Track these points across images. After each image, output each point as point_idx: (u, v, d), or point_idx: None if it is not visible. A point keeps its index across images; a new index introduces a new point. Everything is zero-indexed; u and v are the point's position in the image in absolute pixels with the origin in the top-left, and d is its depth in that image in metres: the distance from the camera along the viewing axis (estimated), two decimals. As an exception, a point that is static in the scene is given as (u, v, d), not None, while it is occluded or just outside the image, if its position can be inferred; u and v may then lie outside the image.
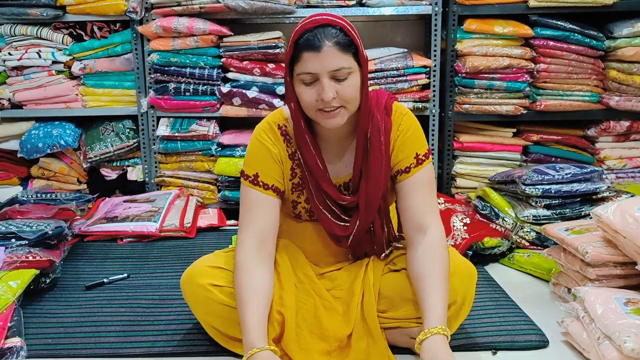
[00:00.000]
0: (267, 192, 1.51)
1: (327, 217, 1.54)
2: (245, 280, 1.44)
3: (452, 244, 2.28)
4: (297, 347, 1.47)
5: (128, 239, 2.58)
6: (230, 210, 2.92)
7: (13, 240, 2.08)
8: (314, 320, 1.53)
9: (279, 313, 1.49)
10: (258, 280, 1.45)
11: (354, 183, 1.54)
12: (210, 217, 2.82)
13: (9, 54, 2.93)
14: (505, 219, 2.43)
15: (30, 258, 2.01)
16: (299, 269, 1.62)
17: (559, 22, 2.74)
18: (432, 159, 1.61)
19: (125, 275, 2.17)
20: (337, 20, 1.40)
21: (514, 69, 2.78)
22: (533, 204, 2.38)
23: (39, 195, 2.74)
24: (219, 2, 2.79)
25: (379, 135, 1.50)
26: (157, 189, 3.07)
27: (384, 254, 1.62)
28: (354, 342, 1.51)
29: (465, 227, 2.35)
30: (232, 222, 2.83)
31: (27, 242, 2.08)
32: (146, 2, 2.85)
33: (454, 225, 2.37)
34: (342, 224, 1.55)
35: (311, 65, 1.36)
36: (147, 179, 3.07)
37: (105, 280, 2.12)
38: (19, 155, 3.02)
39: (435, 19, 2.82)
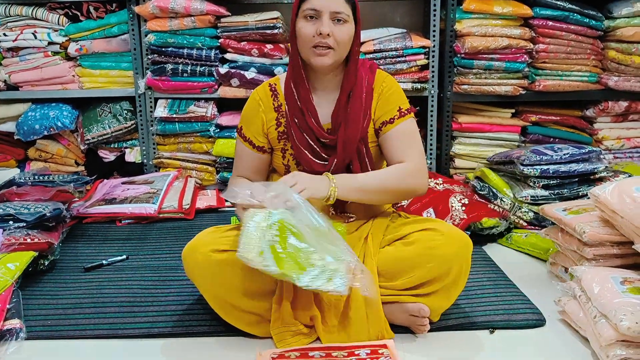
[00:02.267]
0: (245, 143, 1.72)
1: (306, 155, 1.66)
2: (240, 183, 1.68)
3: (450, 223, 2.27)
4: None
5: (127, 221, 2.58)
6: (229, 191, 2.92)
7: (11, 222, 2.07)
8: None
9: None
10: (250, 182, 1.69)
11: (333, 129, 1.66)
12: (208, 199, 2.82)
13: (4, 34, 2.90)
14: (503, 199, 2.43)
15: (29, 240, 2.01)
16: None
17: (558, 2, 2.71)
18: (420, 129, 1.71)
19: (124, 256, 2.17)
20: None
21: (513, 49, 2.76)
22: (531, 184, 2.38)
23: (36, 177, 2.73)
24: (216, -18, 2.76)
25: (361, 87, 1.65)
26: (156, 171, 3.06)
27: None
28: (353, 312, 1.53)
29: (463, 208, 2.35)
30: (230, 203, 2.83)
31: (25, 224, 2.07)
32: (142, -18, 2.82)
33: (452, 206, 2.37)
34: (321, 161, 1.66)
35: (317, 2, 1.55)
36: (145, 161, 3.06)
37: (104, 261, 2.12)
38: (15, 137, 3.01)
39: (434, -1, 2.79)
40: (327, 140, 1.65)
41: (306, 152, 1.66)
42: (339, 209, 1.70)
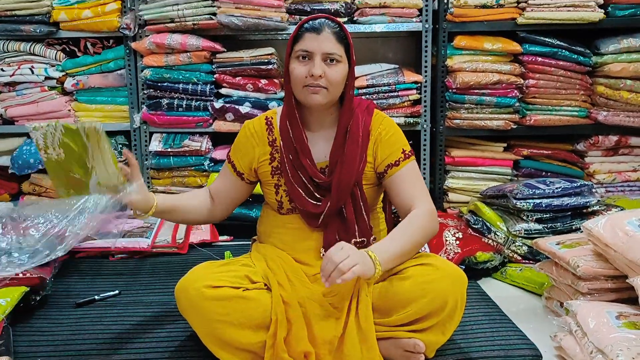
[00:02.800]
0: (228, 165, 1.76)
1: (301, 194, 1.65)
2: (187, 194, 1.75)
3: (445, 258, 2.27)
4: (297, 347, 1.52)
5: (120, 255, 2.56)
6: (223, 225, 2.90)
7: (3, 257, 2.05)
8: (303, 324, 1.56)
9: (286, 310, 1.54)
10: (192, 196, 1.77)
11: (330, 168, 1.65)
12: (202, 233, 2.80)
13: (2, 70, 2.92)
14: (497, 233, 2.43)
15: (21, 275, 1.98)
16: (292, 273, 1.64)
17: (546, 39, 2.77)
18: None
19: (117, 292, 2.15)
20: (339, 21, 1.64)
21: (504, 85, 2.80)
22: (524, 218, 2.39)
23: (30, 211, 2.71)
24: (212, 19, 2.80)
25: (357, 128, 1.64)
26: (150, 205, 3.05)
27: (354, 240, 1.67)
28: (347, 349, 1.51)
29: (457, 242, 2.35)
30: (225, 237, 2.82)
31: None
32: (139, 19, 2.86)
33: (446, 240, 2.37)
34: (315, 202, 1.65)
35: (309, 44, 1.57)
36: (139, 195, 3.05)
37: (96, 297, 2.10)
38: (10, 171, 3.00)
39: (426, 36, 2.84)
40: (321, 182, 1.65)
41: (300, 190, 1.65)
42: (328, 242, 1.69)
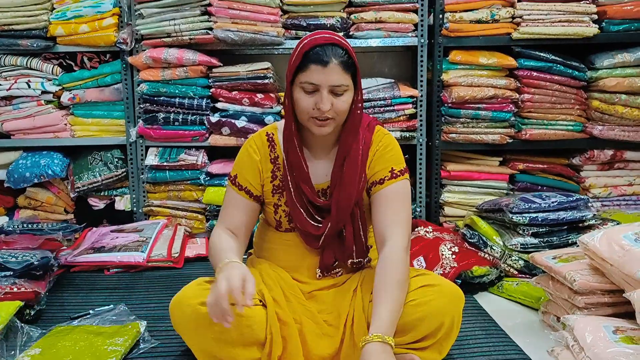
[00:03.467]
0: (240, 192, 1.65)
1: (302, 215, 1.62)
2: (219, 241, 1.59)
3: (441, 272, 2.27)
4: None
5: (115, 270, 2.55)
6: (219, 239, 2.90)
7: (-3, 271, 2.04)
8: (299, 342, 1.55)
9: (281, 327, 1.53)
10: (230, 241, 1.60)
11: (330, 190, 1.63)
12: (198, 247, 2.79)
13: (-2, 84, 2.93)
14: (493, 247, 2.43)
15: (15, 289, 1.97)
16: (286, 288, 1.64)
17: (541, 54, 2.79)
18: (409, 178, 1.67)
19: (112, 306, 2.14)
20: (344, 42, 1.54)
21: (499, 99, 2.82)
22: (520, 232, 2.38)
23: (25, 225, 2.71)
24: (209, 34, 2.82)
25: (358, 147, 1.61)
26: (145, 219, 3.04)
27: (350, 261, 1.66)
28: None
29: (453, 256, 2.34)
30: (221, 251, 2.80)
31: (12, 272, 2.04)
32: (136, 34, 2.87)
33: (442, 254, 2.36)
34: (315, 223, 1.63)
35: (317, 77, 1.49)
36: (135, 209, 3.05)
37: (91, 311, 2.09)
38: (5, 185, 2.99)
39: (422, 51, 2.86)
40: (321, 204, 1.62)
41: (302, 211, 1.63)
42: (326, 270, 1.69)
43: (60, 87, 2.96)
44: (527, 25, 2.76)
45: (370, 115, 1.78)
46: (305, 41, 1.53)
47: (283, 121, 1.67)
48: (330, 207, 1.61)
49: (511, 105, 2.83)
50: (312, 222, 1.63)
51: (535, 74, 2.80)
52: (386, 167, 1.61)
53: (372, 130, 1.65)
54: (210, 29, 2.83)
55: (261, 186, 1.66)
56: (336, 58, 1.49)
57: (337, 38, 1.52)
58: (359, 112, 1.60)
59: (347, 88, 1.53)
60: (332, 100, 1.51)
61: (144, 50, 2.87)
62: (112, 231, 2.84)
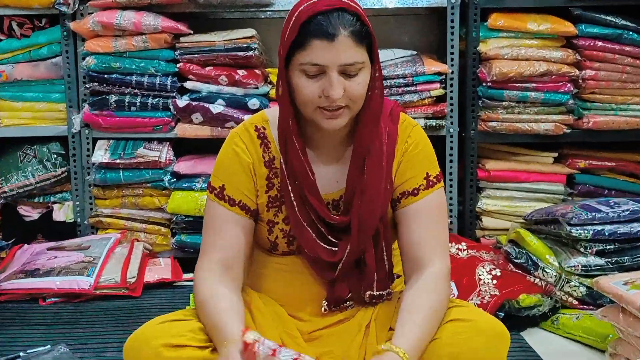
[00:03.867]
0: (233, 209, 1.58)
1: (310, 236, 1.56)
2: (212, 295, 1.50)
3: (478, 303, 2.27)
4: None
5: (53, 299, 2.54)
6: (188, 260, 2.89)
7: None
8: None
9: None
10: (230, 301, 1.50)
11: (346, 201, 1.58)
12: (161, 270, 2.79)
13: None
14: (546, 269, 2.43)
15: None
16: (282, 328, 1.62)
17: (609, 18, 2.79)
18: (444, 185, 1.65)
19: (49, 347, 2.13)
20: (353, 4, 1.47)
21: (554, 77, 2.82)
22: (582, 250, 2.38)
23: None
24: (175, -8, 2.82)
25: (380, 144, 1.55)
26: (92, 233, 3.04)
27: (369, 293, 1.61)
28: None
29: (494, 281, 2.34)
30: (191, 275, 2.80)
31: None
32: (81, -8, 2.88)
33: (480, 279, 2.36)
34: (329, 247, 1.57)
35: (321, 56, 1.42)
36: (78, 220, 3.05)
37: (21, 353, 2.08)
38: None
39: (452, 13, 2.86)
40: (337, 222, 1.56)
41: (309, 230, 1.56)
42: (335, 304, 1.67)
43: (-19, 62, 2.97)
44: (589, -20, 2.78)
45: (395, 102, 1.71)
46: (302, 7, 1.46)
47: (274, 109, 1.62)
48: (348, 224, 1.55)
49: (569, 85, 2.83)
50: (324, 245, 1.57)
51: (600, 43, 2.80)
52: (419, 172, 1.58)
53: (396, 121, 1.60)
54: (177, -15, 2.83)
55: (256, 194, 1.61)
56: (345, 28, 1.43)
57: (343, 0, 1.47)
58: (379, 96, 1.54)
59: (363, 65, 1.47)
60: (344, 84, 1.45)
61: (91, 13, 2.86)
62: (48, 249, 2.83)
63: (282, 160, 1.57)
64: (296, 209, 1.56)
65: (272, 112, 1.62)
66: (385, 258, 1.62)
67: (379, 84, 1.53)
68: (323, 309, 1.64)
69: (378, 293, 1.63)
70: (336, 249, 1.57)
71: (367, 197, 1.54)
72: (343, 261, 1.57)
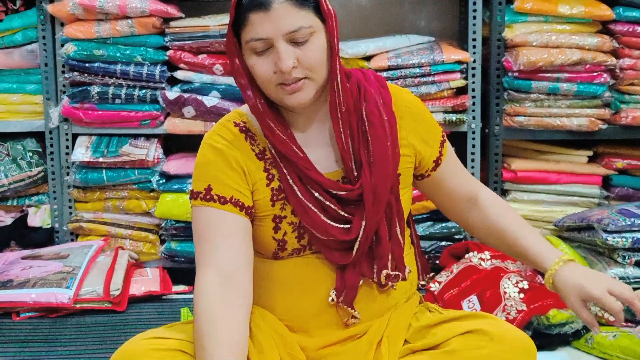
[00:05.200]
0: (225, 207, 1.58)
1: (319, 217, 1.58)
2: (208, 339, 1.46)
3: (504, 318, 2.26)
4: None
5: (28, 314, 2.55)
6: (178, 270, 2.89)
7: None
8: None
9: None
10: (229, 332, 1.48)
11: (350, 176, 1.62)
12: (148, 282, 2.79)
13: None
14: (579, 282, 2.42)
15: None
16: (283, 347, 1.63)
17: (650, -1, 2.79)
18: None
19: (23, 367, 2.14)
20: None
21: (588, 66, 2.81)
22: (619, 260, 2.38)
23: None
24: (165, -29, 2.82)
25: (377, 110, 1.61)
26: (72, 240, 3.04)
27: (386, 272, 1.64)
28: None
29: (522, 295, 2.34)
30: (181, 287, 2.80)
31: None
32: (59, -29, 2.88)
33: (505, 292, 2.35)
34: (342, 225, 1.60)
35: (261, 29, 1.49)
36: (56, 225, 3.05)
37: (-8, 375, 2.09)
38: None
39: (474, -5, 2.87)
40: (345, 192, 1.60)
41: (316, 211, 1.59)
42: (347, 294, 1.66)
43: (-52, 49, 2.98)
44: (628, -43, 2.77)
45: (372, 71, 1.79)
46: None
47: (246, 106, 1.66)
48: (359, 196, 1.58)
49: (605, 75, 2.82)
50: (335, 224, 1.60)
51: (640, 29, 2.80)
52: (436, 138, 1.75)
53: (384, 85, 1.69)
54: (167, -37, 2.84)
55: (251, 194, 1.63)
56: None
57: None
58: (337, 61, 1.57)
59: (312, 29, 1.51)
60: (295, 54, 1.50)
61: (71, -6, 2.87)
62: (23, 258, 2.84)
63: (273, 146, 1.61)
64: (297, 192, 1.59)
65: (246, 107, 1.68)
66: (400, 234, 1.67)
67: (333, 43, 1.56)
68: (330, 299, 1.64)
69: (394, 273, 1.66)
70: (349, 226, 1.60)
71: (376, 168, 1.60)
72: (360, 238, 1.59)
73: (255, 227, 1.64)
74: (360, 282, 1.64)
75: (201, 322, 1.49)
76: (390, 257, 1.65)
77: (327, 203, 1.59)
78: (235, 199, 1.58)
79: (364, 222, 1.59)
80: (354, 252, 1.60)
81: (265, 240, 1.64)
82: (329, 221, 1.59)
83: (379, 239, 1.63)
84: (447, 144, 1.77)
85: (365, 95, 1.62)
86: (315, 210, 1.59)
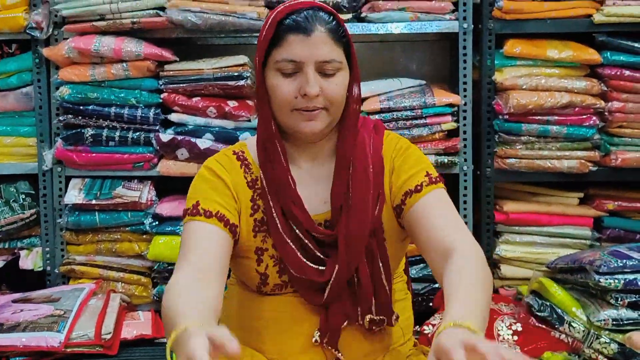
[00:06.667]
0: (210, 220, 1.58)
1: (295, 254, 1.60)
2: (175, 297, 1.39)
3: (498, 361, 2.25)
4: None
5: (18, 359, 2.51)
6: (171, 313, 2.88)
7: None
8: None
9: None
10: (195, 291, 1.42)
11: (333, 217, 1.63)
12: (140, 325, 2.77)
13: None
14: (572, 324, 2.41)
15: None
16: None
17: (636, 44, 2.82)
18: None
19: (13, 412, 2.11)
20: (328, 6, 1.61)
21: (577, 109, 2.83)
22: (612, 301, 2.37)
23: None
24: (160, 16, 2.84)
25: (364, 155, 1.63)
26: (63, 283, 3.03)
27: (369, 317, 1.62)
28: None
29: (515, 337, 2.33)
30: (174, 330, 2.78)
31: None
32: (56, 15, 2.90)
33: (499, 334, 2.34)
34: (316, 266, 1.61)
35: (298, 51, 1.54)
36: (48, 268, 3.03)
37: (-19, 420, 2.06)
38: None
39: (465, 40, 2.89)
40: (323, 236, 1.62)
41: (294, 248, 1.61)
42: (330, 336, 1.65)
43: (-57, 92, 2.99)
44: (614, 3, 2.80)
45: (378, 119, 1.79)
46: (279, 9, 1.59)
47: (250, 138, 1.72)
48: (337, 240, 1.60)
49: (594, 118, 2.84)
50: (312, 264, 1.61)
51: (627, 72, 2.83)
52: (420, 170, 1.64)
53: (380, 133, 1.70)
54: (163, 8, 2.86)
55: (238, 213, 1.64)
56: (322, 24, 1.55)
57: (319, 2, 1.61)
58: (356, 106, 1.64)
59: (340, 66, 1.58)
60: (321, 83, 1.55)
61: (66, 38, 2.89)
62: (14, 301, 2.81)
63: (261, 176, 1.63)
64: (279, 225, 1.61)
65: (250, 140, 1.72)
66: (384, 277, 1.64)
67: (357, 97, 1.64)
68: (314, 339, 1.63)
69: (379, 318, 1.64)
70: (324, 268, 1.61)
71: (353, 212, 1.59)
72: (332, 281, 1.59)
73: (240, 260, 1.66)
74: (345, 324, 1.64)
75: (167, 302, 1.39)
76: (374, 301, 1.64)
77: (306, 242, 1.61)
78: (220, 214, 1.59)
79: (337, 267, 1.59)
80: (326, 294, 1.61)
81: (250, 274, 1.66)
82: (305, 260, 1.61)
83: (360, 282, 1.63)
84: (436, 192, 1.63)
85: (357, 138, 1.65)
86: (293, 246, 1.61)
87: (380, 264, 1.64)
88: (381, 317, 1.65)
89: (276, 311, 1.67)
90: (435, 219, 1.57)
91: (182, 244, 1.60)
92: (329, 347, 1.64)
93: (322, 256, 1.62)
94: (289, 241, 1.61)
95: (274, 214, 1.62)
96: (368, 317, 1.64)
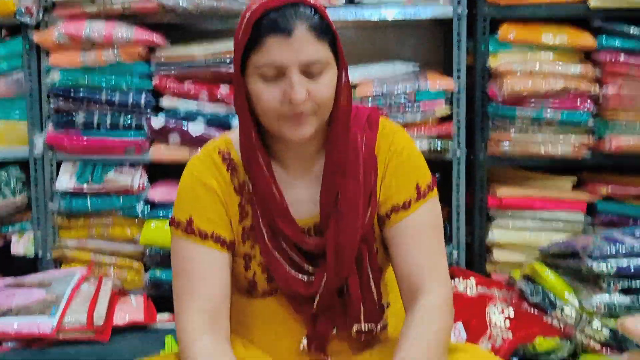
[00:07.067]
0: (206, 242, 1.54)
1: (282, 267, 1.55)
2: None
3: (489, 347, 2.25)
4: None
5: (10, 344, 2.52)
6: (163, 298, 2.87)
7: None
8: None
9: None
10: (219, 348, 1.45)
11: (321, 224, 1.56)
12: (133, 310, 2.76)
13: None
14: (565, 309, 2.42)
15: None
16: None
17: (632, 29, 2.81)
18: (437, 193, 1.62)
19: (3, 398, 2.11)
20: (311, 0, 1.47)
21: (572, 94, 2.83)
22: (605, 287, 2.37)
23: None
24: (151, 0, 2.82)
25: (356, 156, 1.55)
26: (55, 268, 3.02)
27: (357, 327, 1.59)
28: None
29: (507, 323, 2.33)
30: (166, 316, 2.77)
31: None
32: (45, 1, 2.89)
33: (491, 320, 2.35)
34: (304, 277, 1.56)
35: (279, 54, 1.41)
36: (39, 253, 3.03)
37: (-28, 406, 2.06)
38: None
39: (459, 25, 2.88)
40: (312, 247, 1.56)
41: (281, 260, 1.56)
42: (318, 344, 1.62)
43: None
44: (610, -13, 2.80)
45: (373, 108, 1.69)
46: (253, 7, 1.45)
47: (236, 131, 1.61)
48: (324, 250, 1.54)
49: (589, 103, 2.84)
50: (300, 276, 1.57)
51: (623, 57, 2.82)
52: (408, 183, 1.56)
53: (374, 129, 1.60)
54: (153, -8, 2.85)
55: (230, 222, 1.59)
56: (302, 22, 1.41)
57: None
58: (347, 102, 1.53)
59: (327, 64, 1.45)
60: (307, 86, 1.43)
61: (57, 24, 2.87)
62: (6, 286, 2.81)
63: (251, 183, 1.56)
64: (265, 236, 1.56)
65: (235, 134, 1.61)
66: (373, 286, 1.60)
67: (346, 91, 1.52)
68: (302, 347, 1.62)
69: (368, 327, 1.61)
70: (312, 278, 1.56)
71: (344, 218, 1.53)
72: (320, 293, 1.55)
73: (233, 261, 1.61)
74: (334, 332, 1.61)
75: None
76: (362, 309, 1.60)
77: (291, 254, 1.56)
78: (216, 234, 1.55)
79: (325, 276, 1.54)
80: (315, 304, 1.57)
81: (239, 278, 1.62)
82: (292, 272, 1.56)
83: (349, 291, 1.58)
84: (424, 209, 1.57)
85: (350, 140, 1.55)
86: (280, 258, 1.56)
87: (369, 271, 1.59)
88: (369, 327, 1.62)
89: (266, 314, 1.65)
90: (413, 249, 1.54)
91: (182, 267, 1.56)
92: (318, 353, 1.62)
93: (309, 268, 1.57)
94: (275, 253, 1.56)
95: (261, 223, 1.56)
96: (355, 326, 1.60)
